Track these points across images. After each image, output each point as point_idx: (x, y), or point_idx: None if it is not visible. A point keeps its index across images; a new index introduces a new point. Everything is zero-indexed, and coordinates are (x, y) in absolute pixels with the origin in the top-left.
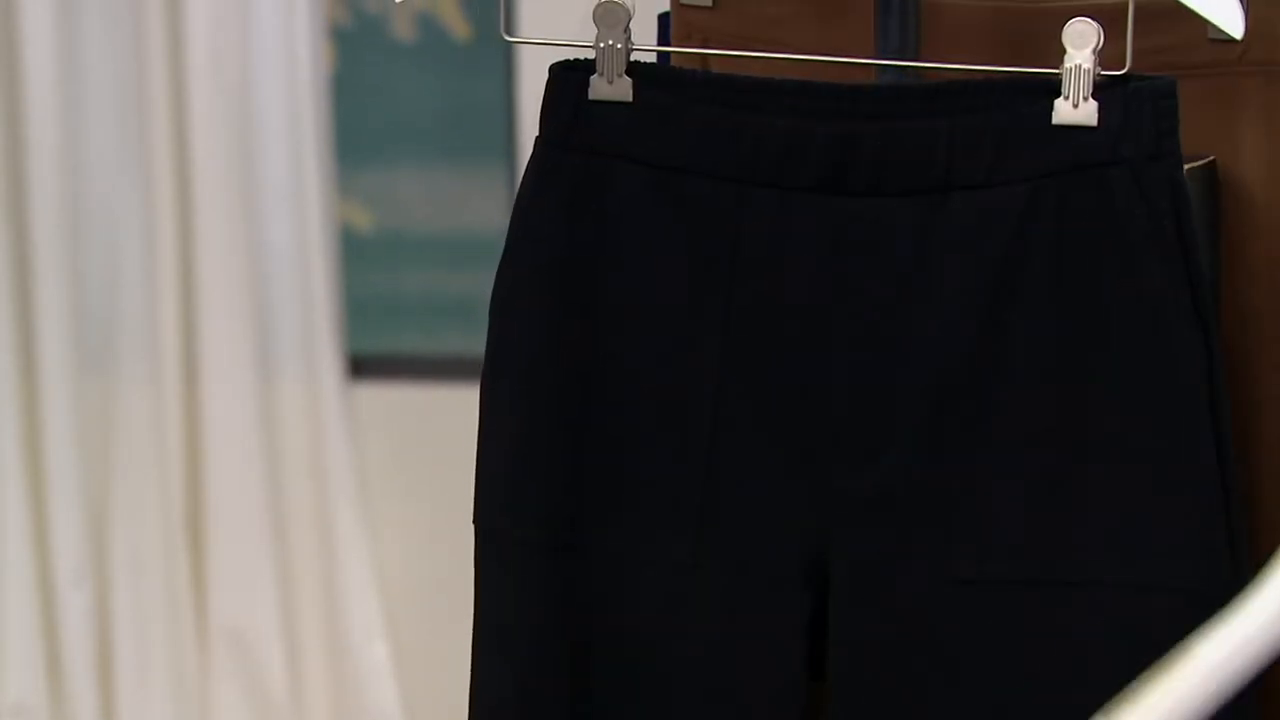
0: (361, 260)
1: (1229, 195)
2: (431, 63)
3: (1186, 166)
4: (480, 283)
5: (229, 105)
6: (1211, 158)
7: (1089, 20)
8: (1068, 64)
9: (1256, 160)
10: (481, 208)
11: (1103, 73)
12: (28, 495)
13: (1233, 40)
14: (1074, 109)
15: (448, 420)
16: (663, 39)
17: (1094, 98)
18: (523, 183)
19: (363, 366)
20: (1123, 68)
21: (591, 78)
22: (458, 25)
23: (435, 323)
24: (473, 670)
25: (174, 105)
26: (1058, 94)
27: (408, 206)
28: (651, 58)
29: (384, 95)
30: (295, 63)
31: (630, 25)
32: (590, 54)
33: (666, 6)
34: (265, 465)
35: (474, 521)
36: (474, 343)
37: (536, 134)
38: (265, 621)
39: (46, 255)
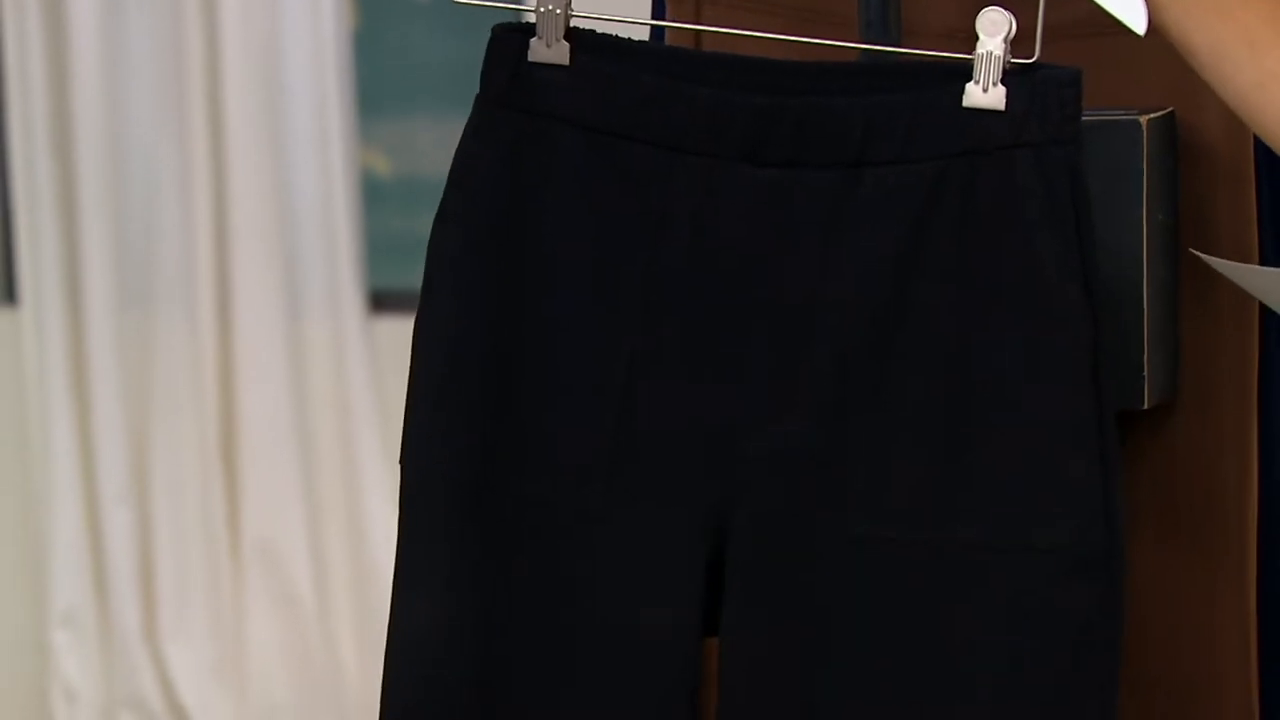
0: (382, 203)
1: (1190, 147)
2: (447, 20)
3: (1146, 118)
4: None
5: (259, 60)
6: (1170, 109)
7: (1001, 10)
8: (979, 50)
9: (1216, 110)
10: None
11: (1013, 60)
12: (75, 422)
13: None
14: (984, 93)
15: None
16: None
17: (1003, 83)
18: (462, 139)
19: (383, 302)
20: (1033, 56)
21: (531, 40)
22: None
23: None
24: (391, 605)
25: (208, 60)
26: (970, 78)
27: (424, 153)
28: (602, 25)
29: (402, 50)
30: (320, 21)
31: None
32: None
33: None
34: (293, 393)
35: (400, 461)
36: None
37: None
38: (293, 536)
39: (91, 201)
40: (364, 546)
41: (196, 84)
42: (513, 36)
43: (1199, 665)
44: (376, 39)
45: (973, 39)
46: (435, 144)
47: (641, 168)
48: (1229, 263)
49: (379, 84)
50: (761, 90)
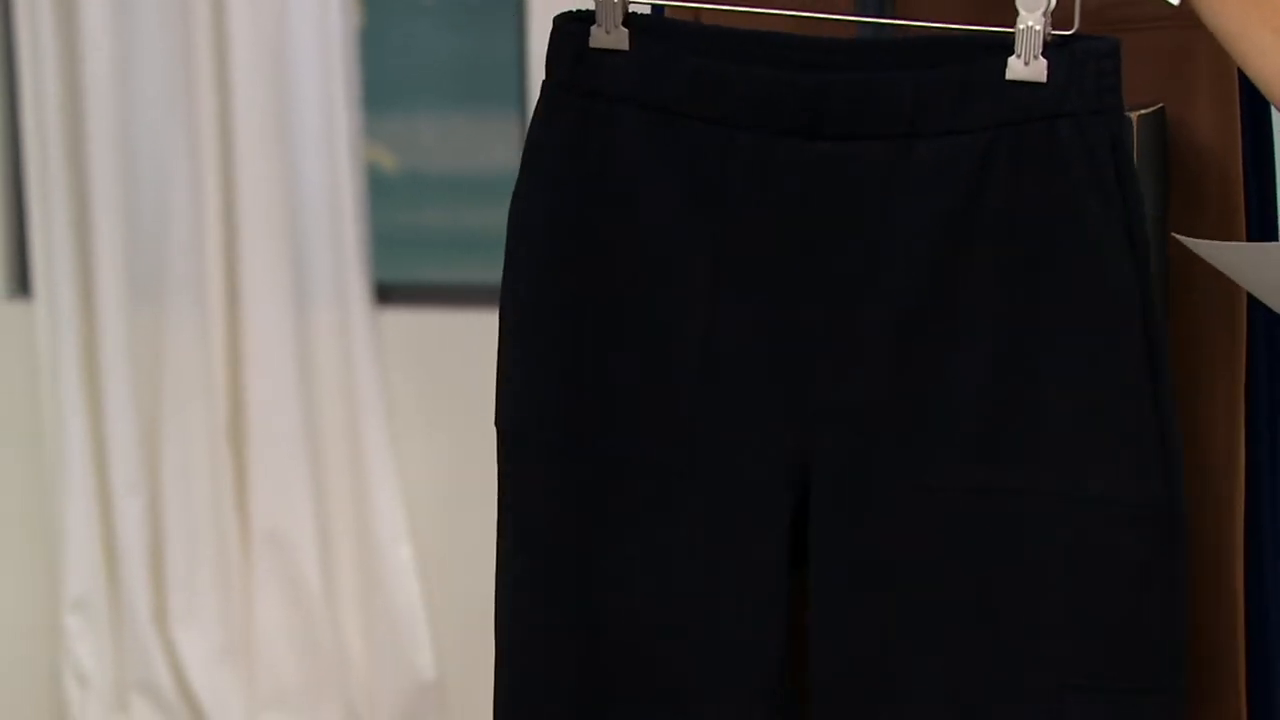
0: (387, 197)
1: (1180, 141)
2: (451, 19)
3: (1137, 113)
4: (493, 217)
5: (267, 57)
6: (1160, 105)
7: None
8: (1020, 25)
9: (1207, 108)
10: (495, 150)
11: (1053, 32)
12: (87, 413)
13: None
14: (1025, 66)
15: (465, 342)
16: None
17: (1043, 56)
18: (532, 121)
19: (388, 294)
20: (1072, 28)
21: (592, 27)
22: None
23: (453, 254)
24: (497, 552)
25: (217, 58)
26: (1012, 52)
27: (428, 149)
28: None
29: (408, 48)
30: (327, 18)
31: None
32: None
33: None
34: (300, 384)
35: (495, 424)
36: (488, 272)
37: (544, 78)
38: (301, 525)
39: (102, 196)
40: (370, 534)
41: (206, 81)
42: (574, 24)
43: (1191, 643)
44: (382, 37)
45: (974, 12)
46: (439, 140)
47: (702, 144)
48: (1205, 242)
49: (384, 81)
50: (813, 67)
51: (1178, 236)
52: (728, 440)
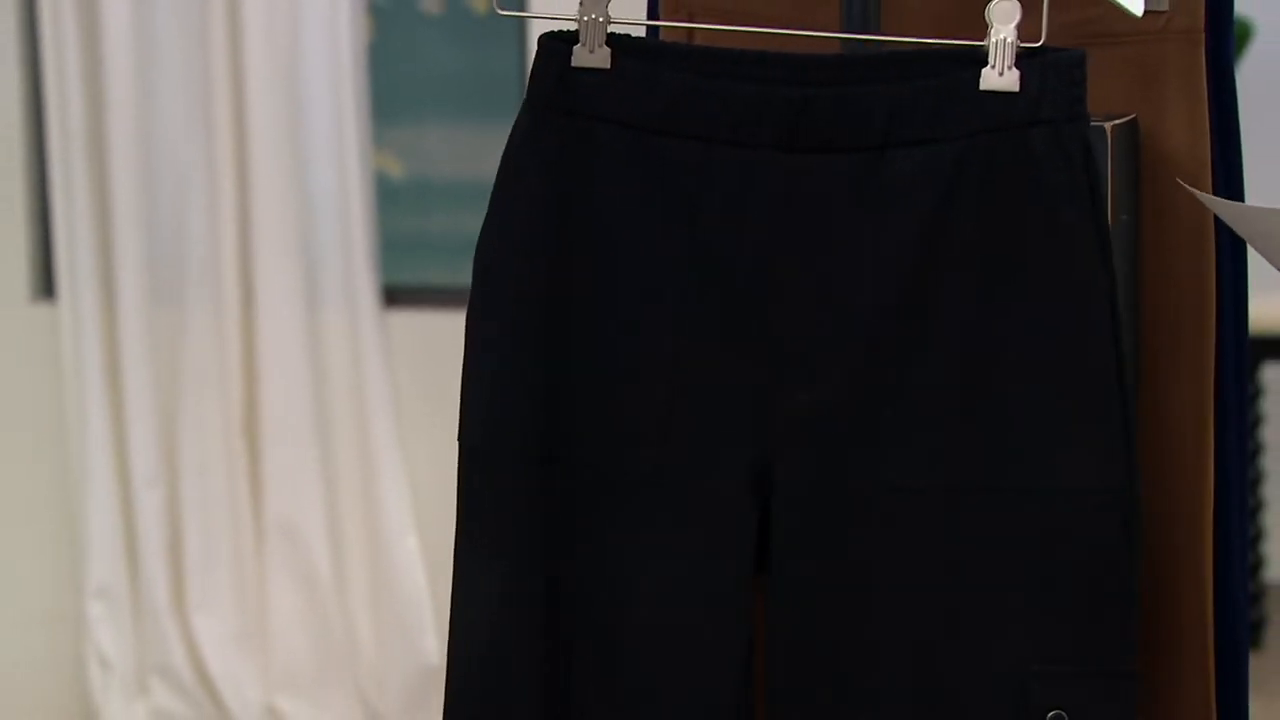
0: (394, 204)
1: (1151, 150)
2: (456, 33)
3: (1111, 124)
4: None
5: (281, 70)
6: (1134, 116)
7: None
8: (993, 38)
9: (1177, 118)
10: (498, 158)
11: (1022, 45)
12: (109, 410)
13: (1157, 10)
14: (999, 77)
15: None
16: (652, 13)
17: (1016, 67)
18: (510, 140)
19: (396, 297)
20: (1039, 40)
21: (575, 47)
22: (479, 0)
23: (458, 258)
24: (454, 576)
25: (233, 70)
26: (985, 64)
27: (434, 157)
28: (640, 31)
29: (415, 61)
30: (337, 33)
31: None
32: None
33: None
34: (312, 382)
35: (459, 440)
36: None
37: (524, 97)
38: (312, 517)
39: (123, 203)
40: (378, 524)
41: (222, 92)
42: (557, 44)
43: (1162, 627)
44: (390, 50)
45: (955, 27)
46: (444, 148)
47: (680, 159)
48: (1224, 201)
49: (392, 92)
50: (793, 83)
51: (1190, 188)
52: (696, 445)
